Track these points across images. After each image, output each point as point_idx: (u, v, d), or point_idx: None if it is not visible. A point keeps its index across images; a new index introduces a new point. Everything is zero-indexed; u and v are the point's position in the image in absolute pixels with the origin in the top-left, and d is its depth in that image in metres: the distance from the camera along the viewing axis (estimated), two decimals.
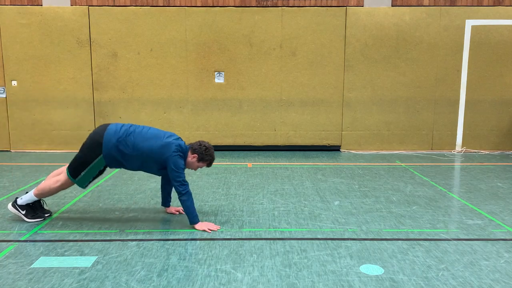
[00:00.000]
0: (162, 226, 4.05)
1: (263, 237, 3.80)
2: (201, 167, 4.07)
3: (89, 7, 7.40)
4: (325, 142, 7.82)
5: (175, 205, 4.52)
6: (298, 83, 7.61)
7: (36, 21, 7.35)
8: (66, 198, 4.88)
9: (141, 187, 5.34)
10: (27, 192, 4.14)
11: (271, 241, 3.70)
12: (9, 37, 7.38)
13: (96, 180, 4.18)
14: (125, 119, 7.61)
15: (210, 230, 3.89)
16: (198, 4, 7.71)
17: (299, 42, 7.50)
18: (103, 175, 4.93)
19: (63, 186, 4.03)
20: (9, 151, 7.68)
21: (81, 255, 3.41)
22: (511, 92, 7.64)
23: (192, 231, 3.91)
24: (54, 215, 4.30)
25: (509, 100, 7.66)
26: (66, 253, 3.45)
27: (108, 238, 3.74)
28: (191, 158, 3.97)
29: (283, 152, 7.72)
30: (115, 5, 7.69)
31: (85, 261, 3.29)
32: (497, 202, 4.83)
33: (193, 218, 3.93)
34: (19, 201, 4.08)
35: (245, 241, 3.70)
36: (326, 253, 3.46)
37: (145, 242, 3.67)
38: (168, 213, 4.38)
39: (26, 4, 7.66)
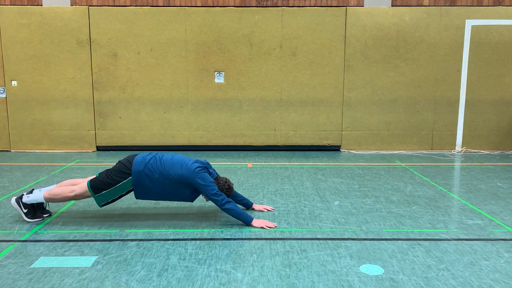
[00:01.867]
0: (162, 226, 4.05)
1: (263, 237, 3.80)
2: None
3: (89, 7, 7.40)
4: (325, 142, 7.82)
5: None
6: (298, 83, 7.60)
7: (36, 21, 7.35)
8: None
9: None
10: (32, 190, 4.12)
11: (271, 241, 3.70)
12: (9, 37, 7.38)
13: (113, 203, 4.18)
14: (125, 119, 7.61)
15: (268, 227, 3.97)
16: (198, 4, 7.71)
17: (299, 42, 7.50)
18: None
19: (76, 197, 4.05)
20: (9, 151, 7.68)
21: (81, 255, 3.41)
22: (511, 92, 7.64)
23: (192, 231, 3.92)
24: (54, 215, 4.31)
25: (509, 100, 7.66)
26: (66, 253, 3.45)
27: (108, 238, 3.75)
28: None
29: (283, 152, 7.72)
30: (115, 5, 7.69)
31: (85, 261, 3.29)
32: (497, 202, 4.83)
33: (246, 219, 4.00)
34: (25, 199, 4.06)
35: (245, 241, 3.70)
36: (326, 253, 3.46)
37: (145, 242, 3.67)
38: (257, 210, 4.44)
39: (26, 4, 7.66)
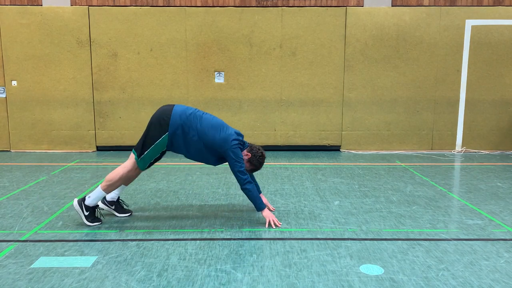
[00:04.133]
0: (162, 226, 4.05)
1: (263, 237, 3.80)
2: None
3: (89, 7, 7.40)
4: (325, 142, 7.82)
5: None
6: (298, 83, 7.60)
7: (36, 21, 7.35)
8: (66, 198, 4.88)
9: (141, 187, 5.34)
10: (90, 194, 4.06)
11: (271, 241, 3.70)
12: (9, 37, 7.38)
13: (150, 167, 4.15)
14: (125, 119, 7.61)
15: (274, 224, 3.97)
16: (198, 4, 7.71)
17: (299, 42, 7.50)
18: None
19: (129, 172, 3.97)
20: (9, 151, 7.68)
21: (81, 255, 3.41)
22: (511, 92, 7.64)
23: (192, 231, 3.92)
24: (54, 215, 4.31)
25: (509, 100, 7.66)
26: (66, 253, 3.45)
27: (108, 238, 3.75)
28: (244, 155, 4.04)
29: (283, 152, 7.72)
30: (115, 5, 7.69)
31: (85, 261, 3.29)
32: (497, 202, 4.83)
33: (259, 204, 4.00)
34: (87, 201, 3.97)
35: (245, 241, 3.70)
36: (326, 253, 3.46)
37: (145, 242, 3.67)
38: None
39: (26, 4, 7.67)
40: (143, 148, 3.92)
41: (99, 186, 3.96)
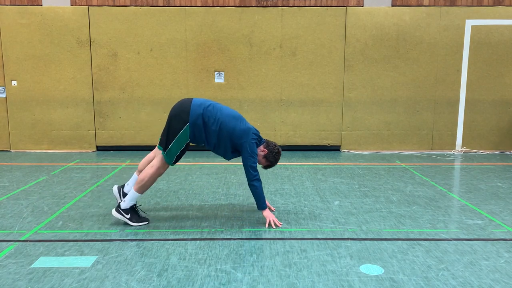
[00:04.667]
0: (162, 226, 4.05)
1: (263, 237, 3.80)
2: (260, 163, 4.12)
3: (89, 7, 7.40)
4: (325, 142, 7.82)
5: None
6: (298, 83, 7.60)
7: (36, 21, 7.35)
8: (66, 198, 4.88)
9: None
10: (125, 196, 4.09)
11: (271, 241, 3.70)
12: (9, 37, 7.38)
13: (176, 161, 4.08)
14: (125, 119, 7.61)
15: (274, 225, 3.98)
16: (198, 4, 7.70)
17: (299, 42, 7.50)
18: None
19: (159, 169, 3.97)
20: (9, 151, 7.67)
21: (81, 255, 3.41)
22: (511, 92, 7.64)
23: (192, 231, 3.92)
24: (54, 215, 4.31)
25: (509, 100, 7.66)
26: (66, 253, 3.45)
27: (108, 238, 3.75)
28: (261, 150, 4.06)
29: (283, 152, 7.70)
30: (115, 5, 7.69)
31: (85, 261, 3.29)
32: (497, 202, 4.83)
33: (262, 203, 4.01)
34: (123, 205, 4.01)
35: (245, 241, 3.70)
36: (326, 253, 3.46)
37: (145, 242, 3.67)
38: None
39: (26, 4, 7.66)
40: (167, 141, 3.92)
41: (132, 188, 4.00)
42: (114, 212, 4.02)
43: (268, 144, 4.09)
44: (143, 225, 4.04)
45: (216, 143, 3.97)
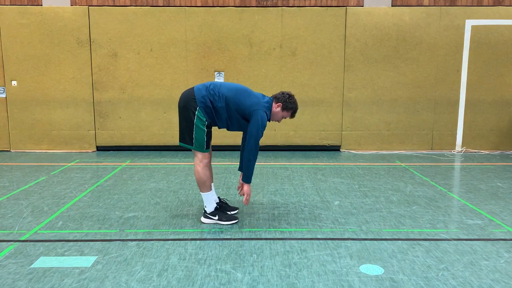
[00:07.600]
0: (162, 226, 4.05)
1: (263, 237, 3.80)
2: (285, 117, 4.08)
3: (89, 7, 7.40)
4: (325, 142, 7.82)
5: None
6: (298, 83, 7.60)
7: (36, 21, 7.35)
8: (66, 198, 4.89)
9: (141, 187, 5.34)
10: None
11: (271, 241, 3.71)
12: (9, 37, 7.38)
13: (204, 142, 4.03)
14: (125, 119, 7.61)
15: (247, 200, 3.98)
16: (198, 4, 7.70)
17: (299, 42, 7.50)
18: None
19: (202, 162, 3.98)
20: (9, 151, 7.68)
21: (81, 255, 3.41)
22: (511, 92, 7.64)
23: (192, 231, 3.92)
24: (54, 215, 4.31)
25: (509, 100, 7.66)
26: (66, 253, 3.45)
27: (108, 238, 3.75)
28: (276, 107, 4.02)
29: (283, 152, 7.72)
30: (115, 5, 7.68)
31: (85, 261, 3.29)
32: (497, 202, 4.83)
33: (250, 177, 3.98)
34: (208, 210, 4.09)
35: (245, 241, 3.70)
36: (326, 253, 3.46)
37: (145, 242, 3.67)
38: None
39: (26, 4, 7.66)
40: (188, 134, 3.93)
41: (201, 194, 4.08)
42: (203, 218, 4.12)
43: (277, 98, 4.02)
44: (233, 223, 4.08)
45: (227, 118, 3.97)
